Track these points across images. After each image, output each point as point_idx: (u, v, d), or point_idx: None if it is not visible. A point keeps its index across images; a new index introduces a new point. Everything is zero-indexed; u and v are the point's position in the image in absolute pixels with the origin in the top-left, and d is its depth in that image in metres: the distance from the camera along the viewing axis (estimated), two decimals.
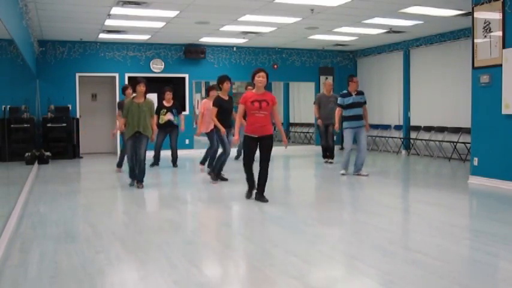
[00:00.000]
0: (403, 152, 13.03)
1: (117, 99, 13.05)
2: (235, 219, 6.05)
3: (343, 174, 8.95)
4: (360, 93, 8.99)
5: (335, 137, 11.28)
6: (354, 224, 5.40)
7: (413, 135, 12.86)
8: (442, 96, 11.95)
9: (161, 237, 4.76)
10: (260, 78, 6.31)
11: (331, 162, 10.92)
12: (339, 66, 15.12)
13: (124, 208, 6.72)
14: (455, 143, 11.09)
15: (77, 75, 12.64)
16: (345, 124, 8.91)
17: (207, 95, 9.28)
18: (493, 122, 7.51)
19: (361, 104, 8.88)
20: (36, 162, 10.39)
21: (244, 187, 8.11)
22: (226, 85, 7.71)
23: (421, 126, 12.59)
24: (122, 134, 9.33)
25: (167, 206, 6.69)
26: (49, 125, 11.85)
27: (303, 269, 3.82)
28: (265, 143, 6.35)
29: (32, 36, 9.85)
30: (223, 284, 3.49)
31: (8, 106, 5.97)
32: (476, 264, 3.94)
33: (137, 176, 7.69)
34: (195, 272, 3.73)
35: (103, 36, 11.82)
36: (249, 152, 6.44)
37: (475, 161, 7.87)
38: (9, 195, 5.67)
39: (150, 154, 9.48)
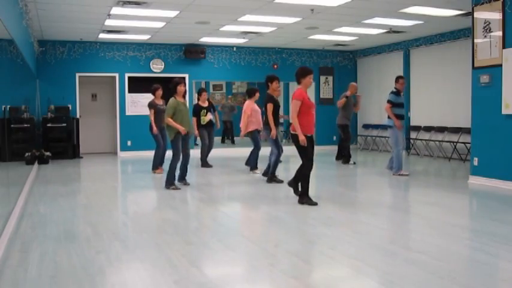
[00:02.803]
0: (403, 152, 13.02)
1: (118, 99, 13.08)
2: (235, 219, 6.05)
3: (407, 175, 8.76)
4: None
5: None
6: (354, 224, 5.40)
7: (413, 135, 12.86)
8: (442, 96, 11.95)
9: (161, 237, 4.76)
10: (311, 80, 6.31)
11: (354, 163, 10.66)
12: (339, 66, 15.12)
13: (124, 208, 6.72)
14: (455, 143, 11.10)
15: (77, 75, 12.64)
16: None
17: (249, 96, 9.32)
18: (493, 122, 7.51)
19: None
20: (36, 162, 10.39)
21: (243, 187, 8.12)
22: (275, 84, 8.14)
23: (421, 126, 12.59)
24: (154, 133, 9.23)
25: (167, 206, 6.68)
26: (49, 125, 11.84)
27: (303, 269, 3.82)
28: (313, 142, 6.34)
29: (32, 36, 9.84)
30: (223, 284, 3.48)
31: (8, 106, 5.97)
32: (476, 264, 3.94)
33: (184, 174, 7.82)
34: (195, 272, 3.73)
35: (103, 36, 11.82)
36: (312, 155, 6.24)
37: (475, 161, 7.87)
38: (9, 195, 5.67)
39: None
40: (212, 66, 13.81)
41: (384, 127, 13.60)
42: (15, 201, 5.87)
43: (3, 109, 5.55)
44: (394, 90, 8.82)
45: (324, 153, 12.89)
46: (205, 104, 10.14)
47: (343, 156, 10.84)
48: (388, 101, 8.72)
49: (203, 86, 16.17)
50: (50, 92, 12.19)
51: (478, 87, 7.76)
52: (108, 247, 4.39)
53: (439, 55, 12.05)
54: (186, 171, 7.87)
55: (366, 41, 13.20)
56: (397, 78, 8.92)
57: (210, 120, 10.08)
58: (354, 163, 10.67)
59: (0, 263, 3.86)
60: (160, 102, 9.36)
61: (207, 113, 10.03)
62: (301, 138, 6.03)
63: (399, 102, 8.77)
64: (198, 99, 10.23)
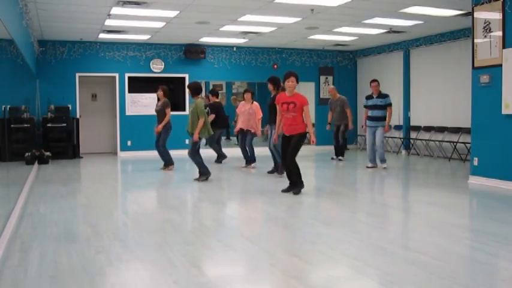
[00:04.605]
0: (403, 152, 13.03)
1: (118, 99, 13.07)
2: (235, 219, 6.05)
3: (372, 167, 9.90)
4: (382, 96, 9.82)
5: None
6: (354, 224, 5.40)
7: (413, 135, 12.86)
8: (442, 96, 11.95)
9: (161, 237, 4.76)
10: (290, 83, 6.72)
11: (340, 160, 11.35)
12: (339, 66, 15.12)
13: (124, 208, 6.72)
14: (455, 143, 11.10)
15: (77, 75, 12.64)
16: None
17: (244, 97, 10.16)
18: (493, 122, 7.51)
19: (382, 107, 9.75)
20: (36, 162, 10.39)
21: (243, 187, 8.17)
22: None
23: (421, 126, 12.60)
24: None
25: (167, 206, 6.68)
26: (49, 125, 11.84)
27: (303, 269, 3.82)
28: (292, 141, 6.78)
29: (32, 36, 9.84)
30: (223, 284, 3.48)
31: (8, 106, 5.96)
32: (476, 264, 3.94)
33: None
34: (195, 272, 3.73)
35: (103, 36, 11.82)
36: (282, 150, 6.95)
37: (475, 161, 7.87)
38: (9, 195, 5.67)
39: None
40: (212, 66, 13.81)
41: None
42: (15, 201, 5.86)
43: (3, 109, 5.54)
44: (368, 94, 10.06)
45: (324, 153, 12.89)
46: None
47: (339, 152, 11.52)
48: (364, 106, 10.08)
49: (203, 86, 16.17)
50: (50, 92, 12.19)
51: (478, 87, 7.76)
52: (108, 247, 4.39)
53: (439, 55, 12.06)
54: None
55: (366, 41, 13.20)
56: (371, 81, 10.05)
57: None
58: (332, 158, 11.54)
59: (0, 263, 3.86)
60: (159, 103, 9.85)
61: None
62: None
63: (370, 105, 9.87)
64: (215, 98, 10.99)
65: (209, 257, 4.24)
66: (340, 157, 11.37)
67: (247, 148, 9.98)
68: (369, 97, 9.97)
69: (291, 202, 6.53)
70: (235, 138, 16.79)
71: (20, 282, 3.51)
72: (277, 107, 6.94)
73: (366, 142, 14.37)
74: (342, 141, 11.44)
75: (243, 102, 10.05)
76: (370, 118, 9.83)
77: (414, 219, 5.84)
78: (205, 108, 9.62)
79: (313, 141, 6.81)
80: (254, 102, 9.97)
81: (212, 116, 10.55)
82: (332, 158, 11.55)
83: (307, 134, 6.89)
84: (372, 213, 6.00)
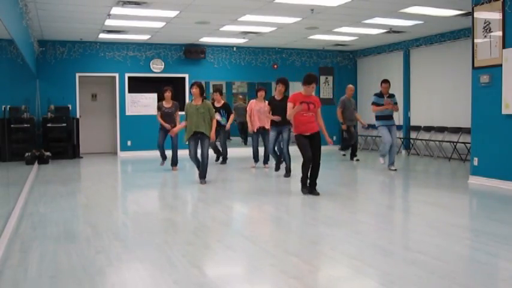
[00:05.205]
0: (403, 152, 13.03)
1: (118, 99, 13.06)
2: (235, 219, 6.05)
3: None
4: (391, 95, 9.65)
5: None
6: (354, 224, 5.40)
7: (413, 135, 12.86)
8: (442, 96, 11.95)
9: (161, 237, 4.76)
10: (311, 88, 6.95)
11: (358, 160, 11.33)
12: (339, 66, 15.12)
13: (124, 208, 6.72)
14: (455, 143, 11.10)
15: (77, 75, 12.64)
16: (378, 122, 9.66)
17: (256, 95, 9.97)
18: (493, 122, 7.51)
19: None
20: (36, 162, 10.39)
21: (243, 187, 8.16)
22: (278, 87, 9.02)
23: (421, 126, 12.60)
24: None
25: (167, 206, 6.69)
26: (49, 125, 11.84)
27: (303, 269, 3.82)
28: (316, 140, 6.89)
29: (32, 36, 9.85)
30: (223, 284, 3.48)
31: (8, 106, 5.97)
32: (476, 264, 3.94)
33: (200, 174, 8.08)
34: (195, 272, 3.73)
35: (103, 36, 11.82)
36: (306, 150, 6.88)
37: (475, 161, 7.87)
38: (9, 195, 5.67)
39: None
40: (212, 66, 13.81)
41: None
42: (15, 201, 5.87)
43: (3, 109, 5.55)
44: (377, 92, 9.72)
45: (325, 153, 12.88)
46: (219, 105, 10.50)
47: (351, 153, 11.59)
48: (372, 103, 9.61)
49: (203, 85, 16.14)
50: (50, 92, 12.19)
51: (478, 87, 7.76)
52: (108, 247, 4.39)
53: (439, 55, 12.06)
54: (201, 171, 8.01)
55: (366, 41, 13.20)
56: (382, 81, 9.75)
57: (218, 121, 10.19)
58: (358, 160, 11.36)
59: (0, 263, 3.86)
60: (168, 105, 9.72)
61: (215, 113, 10.33)
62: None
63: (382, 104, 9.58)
64: (212, 100, 10.69)
65: (209, 257, 4.24)
66: (357, 157, 11.40)
67: (265, 149, 9.84)
68: (379, 95, 9.55)
69: (291, 202, 6.53)
70: (234, 138, 16.96)
71: (20, 282, 3.51)
72: (290, 105, 6.97)
73: (365, 142, 14.49)
74: (355, 142, 11.53)
75: (255, 100, 9.82)
76: (382, 118, 9.50)
77: (414, 219, 5.84)
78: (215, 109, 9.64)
79: (330, 142, 7.18)
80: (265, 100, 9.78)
81: (233, 116, 10.61)
82: (357, 159, 11.39)
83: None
84: (372, 213, 6.00)
